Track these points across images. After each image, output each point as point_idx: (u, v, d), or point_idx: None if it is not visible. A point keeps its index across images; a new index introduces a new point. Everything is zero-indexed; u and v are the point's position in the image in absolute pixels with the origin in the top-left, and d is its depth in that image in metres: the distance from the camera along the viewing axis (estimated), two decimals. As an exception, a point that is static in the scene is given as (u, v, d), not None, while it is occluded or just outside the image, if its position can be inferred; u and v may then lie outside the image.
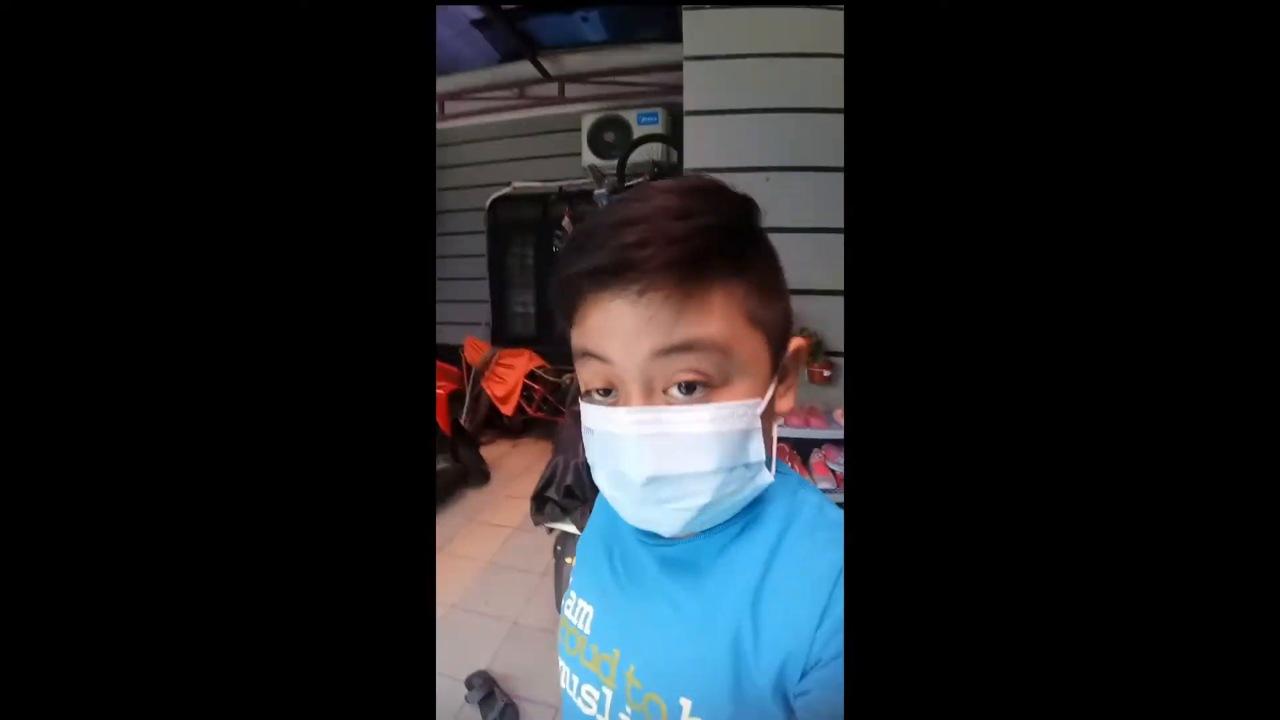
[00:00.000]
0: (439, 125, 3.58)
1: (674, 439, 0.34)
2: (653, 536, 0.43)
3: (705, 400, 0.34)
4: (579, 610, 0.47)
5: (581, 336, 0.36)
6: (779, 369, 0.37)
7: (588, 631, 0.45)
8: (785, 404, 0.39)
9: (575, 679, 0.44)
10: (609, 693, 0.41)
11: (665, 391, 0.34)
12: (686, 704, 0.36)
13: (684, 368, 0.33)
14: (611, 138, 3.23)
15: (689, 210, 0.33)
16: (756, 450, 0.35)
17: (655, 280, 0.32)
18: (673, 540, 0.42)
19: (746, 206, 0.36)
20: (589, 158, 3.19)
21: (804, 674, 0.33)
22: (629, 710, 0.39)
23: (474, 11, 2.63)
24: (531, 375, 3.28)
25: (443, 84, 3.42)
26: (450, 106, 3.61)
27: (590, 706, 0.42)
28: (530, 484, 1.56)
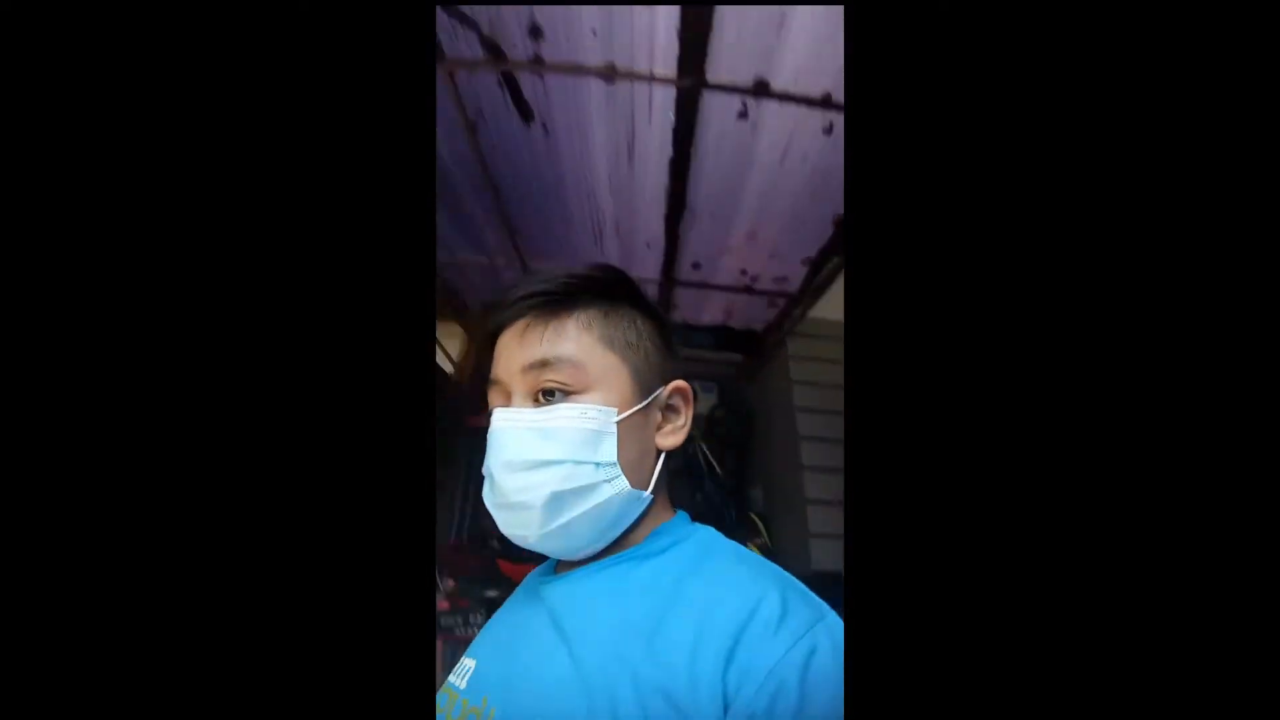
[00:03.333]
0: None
1: (530, 431, 0.41)
2: (551, 572, 0.47)
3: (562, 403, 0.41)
4: (462, 669, 0.45)
5: (491, 371, 0.46)
6: (652, 397, 0.44)
7: (463, 686, 0.43)
8: (668, 440, 0.46)
9: None
10: None
11: (536, 400, 0.42)
12: None
13: (545, 379, 0.42)
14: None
15: (560, 270, 0.45)
16: (608, 452, 0.41)
17: (525, 312, 0.43)
18: (568, 571, 0.45)
19: (618, 274, 0.47)
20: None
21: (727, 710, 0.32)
22: None
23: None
24: None
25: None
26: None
27: None
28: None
